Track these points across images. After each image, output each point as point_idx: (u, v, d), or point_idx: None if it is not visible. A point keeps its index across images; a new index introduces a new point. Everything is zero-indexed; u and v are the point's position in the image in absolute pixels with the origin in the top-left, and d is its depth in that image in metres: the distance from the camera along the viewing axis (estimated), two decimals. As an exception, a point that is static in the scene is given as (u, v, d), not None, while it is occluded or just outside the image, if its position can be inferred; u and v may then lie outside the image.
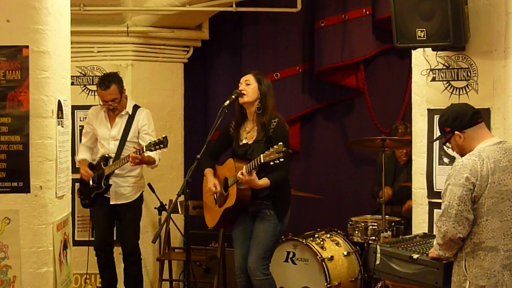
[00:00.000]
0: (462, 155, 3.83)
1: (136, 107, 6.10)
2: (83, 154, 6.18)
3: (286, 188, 5.23)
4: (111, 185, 5.99)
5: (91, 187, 6.06)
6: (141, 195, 6.18)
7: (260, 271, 5.12)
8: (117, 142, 5.99)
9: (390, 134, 6.65)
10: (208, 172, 5.35)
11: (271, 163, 4.73)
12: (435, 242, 3.84)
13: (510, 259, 3.63)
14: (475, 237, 3.66)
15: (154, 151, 5.69)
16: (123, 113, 6.03)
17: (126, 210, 6.06)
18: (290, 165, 5.21)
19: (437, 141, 4.74)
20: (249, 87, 5.19)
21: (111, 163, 5.94)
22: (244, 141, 5.21)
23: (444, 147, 4.70)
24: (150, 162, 5.89)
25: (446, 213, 3.66)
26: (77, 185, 6.43)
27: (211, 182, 5.27)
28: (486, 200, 3.62)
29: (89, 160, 6.16)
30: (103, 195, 6.04)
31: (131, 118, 6.03)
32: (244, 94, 5.17)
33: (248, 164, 4.89)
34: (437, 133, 4.74)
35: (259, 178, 4.96)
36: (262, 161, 4.75)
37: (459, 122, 3.78)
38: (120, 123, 6.03)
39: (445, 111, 3.90)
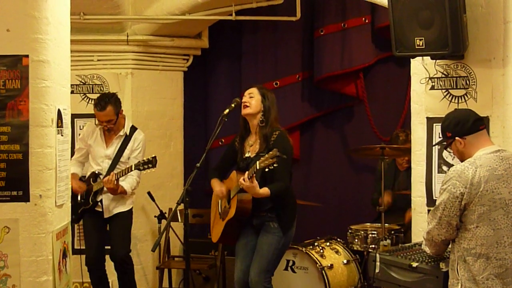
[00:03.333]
0: (462, 160, 3.84)
1: (133, 129, 6.10)
2: (74, 169, 6.10)
3: (290, 201, 5.21)
4: (98, 202, 5.99)
5: (79, 203, 6.06)
6: (132, 208, 6.16)
7: (262, 284, 5.08)
8: (110, 161, 6.00)
9: (391, 141, 6.65)
10: (215, 181, 5.35)
11: (266, 169, 4.74)
12: (423, 236, 3.94)
13: (503, 268, 3.63)
14: (465, 242, 3.68)
15: (129, 182, 5.86)
16: (121, 133, 6.03)
17: (116, 219, 6.05)
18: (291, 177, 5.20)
19: (436, 149, 4.76)
20: (252, 99, 5.18)
21: (100, 180, 5.94)
22: (247, 155, 5.21)
23: (444, 153, 4.72)
24: (122, 192, 5.93)
25: (434, 214, 3.76)
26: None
27: (218, 188, 5.28)
28: (476, 207, 3.63)
29: (79, 175, 6.17)
30: (90, 210, 6.03)
31: (127, 139, 6.03)
32: (247, 106, 5.16)
33: (247, 172, 4.89)
34: (436, 140, 4.77)
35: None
36: (258, 167, 4.75)
37: (460, 128, 3.78)
38: (116, 143, 6.03)
39: (448, 116, 3.90)
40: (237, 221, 5.13)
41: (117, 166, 5.97)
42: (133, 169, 5.71)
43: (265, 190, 4.95)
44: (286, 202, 5.15)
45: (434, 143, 4.70)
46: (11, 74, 4.39)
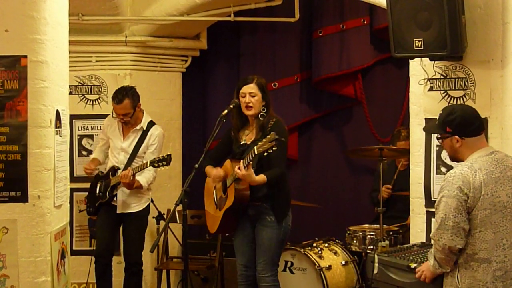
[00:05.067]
0: (452, 157, 3.82)
1: (151, 124, 6.13)
2: (96, 154, 6.30)
3: (284, 189, 5.20)
4: (114, 195, 6.02)
5: (97, 196, 6.11)
6: (148, 206, 6.20)
7: (269, 277, 5.13)
8: (127, 155, 6.03)
9: (392, 138, 6.65)
10: (209, 167, 5.32)
11: (265, 153, 4.71)
12: (432, 261, 3.76)
13: (503, 270, 3.61)
14: (468, 248, 3.64)
15: (145, 176, 5.91)
16: (137, 127, 6.07)
17: (131, 220, 6.09)
18: (286, 166, 5.21)
19: (435, 151, 4.76)
20: (255, 99, 5.16)
21: (118, 174, 5.96)
22: (243, 142, 5.22)
23: (442, 155, 4.71)
24: (137, 187, 5.96)
25: (444, 226, 3.62)
26: (75, 194, 6.45)
27: (215, 171, 5.24)
28: (479, 212, 3.60)
29: (100, 160, 6.25)
30: (107, 204, 6.06)
31: (144, 134, 6.07)
32: (251, 107, 5.15)
33: (244, 159, 4.89)
34: (434, 142, 4.77)
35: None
36: (256, 152, 4.73)
37: (463, 129, 3.72)
38: (133, 137, 6.07)
39: (454, 111, 3.77)
40: (235, 211, 5.12)
41: (134, 160, 6.01)
42: (148, 165, 5.75)
43: (262, 177, 4.96)
44: (280, 189, 5.15)
45: (424, 128, 4.60)
46: (9, 75, 4.40)
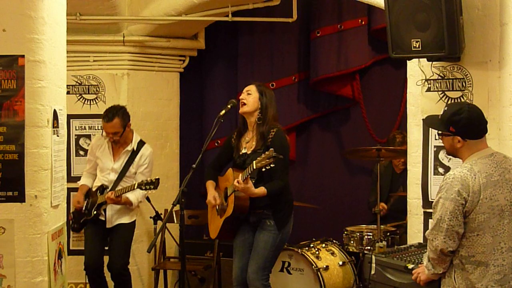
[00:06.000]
0: (450, 153, 3.81)
1: (141, 143, 6.12)
2: (84, 180, 6.23)
3: (287, 198, 5.21)
4: (100, 214, 6.02)
5: (82, 213, 6.09)
6: (134, 221, 6.19)
7: (259, 281, 5.10)
8: (116, 174, 6.02)
9: (387, 143, 6.66)
10: (209, 184, 5.35)
11: (263, 169, 4.73)
12: (426, 261, 3.78)
13: (501, 274, 3.59)
14: (463, 250, 3.63)
15: (135, 194, 5.91)
16: (128, 148, 6.05)
17: (118, 230, 6.07)
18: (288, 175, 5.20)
19: (432, 151, 4.76)
20: (249, 97, 5.17)
21: (106, 193, 5.96)
22: (243, 151, 5.21)
23: (440, 155, 4.72)
24: (127, 203, 5.96)
25: (438, 227, 3.62)
26: (72, 194, 6.43)
27: (210, 195, 5.28)
28: (477, 216, 3.58)
29: (89, 186, 6.20)
30: (91, 221, 6.05)
31: (134, 154, 6.06)
32: (244, 104, 5.16)
33: (243, 172, 4.89)
34: (432, 143, 4.77)
35: (257, 188, 4.96)
36: (254, 167, 4.74)
37: (467, 131, 3.70)
38: (123, 157, 6.05)
39: (461, 111, 3.70)
40: (235, 218, 5.14)
41: (124, 179, 6.01)
42: (135, 187, 5.76)
43: (261, 190, 4.95)
44: (282, 199, 5.15)
45: (425, 121, 4.57)
46: (7, 74, 4.39)
